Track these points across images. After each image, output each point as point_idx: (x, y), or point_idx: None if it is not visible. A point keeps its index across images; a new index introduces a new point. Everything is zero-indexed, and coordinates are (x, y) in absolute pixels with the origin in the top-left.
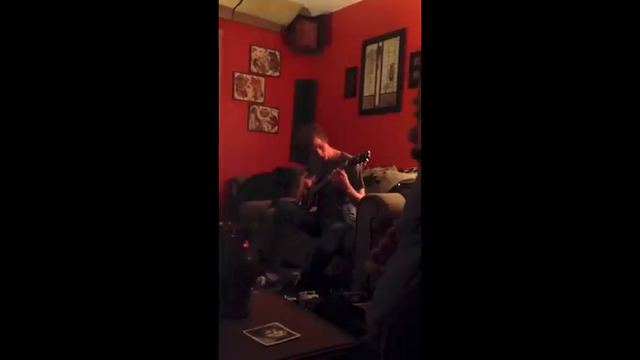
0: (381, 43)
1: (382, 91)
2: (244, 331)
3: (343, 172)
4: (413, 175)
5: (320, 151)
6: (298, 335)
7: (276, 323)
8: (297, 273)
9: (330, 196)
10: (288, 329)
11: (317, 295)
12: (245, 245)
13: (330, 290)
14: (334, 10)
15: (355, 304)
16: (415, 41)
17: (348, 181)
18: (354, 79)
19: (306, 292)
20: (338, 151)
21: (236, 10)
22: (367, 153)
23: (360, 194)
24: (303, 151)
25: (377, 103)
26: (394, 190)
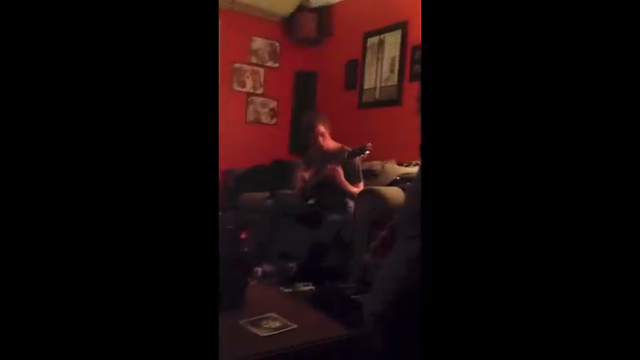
0: (382, 36)
1: (382, 84)
2: (240, 322)
3: (339, 168)
4: (412, 169)
5: (321, 139)
6: (294, 326)
7: (272, 314)
8: (293, 264)
9: (328, 188)
10: (284, 320)
11: (313, 287)
12: (242, 236)
13: (327, 282)
14: (335, 1)
15: (352, 297)
16: (416, 34)
17: (342, 177)
18: (354, 71)
19: (302, 283)
20: (338, 144)
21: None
22: (367, 145)
23: (358, 188)
24: (304, 137)
25: (377, 96)
26: (393, 183)
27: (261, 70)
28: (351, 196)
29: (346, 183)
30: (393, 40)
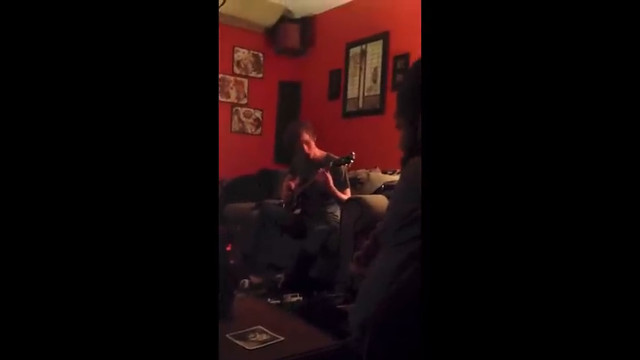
0: (364, 46)
1: (366, 94)
2: (227, 335)
3: (328, 173)
4: (396, 177)
5: (306, 148)
6: (282, 338)
7: (259, 327)
8: (280, 275)
9: (314, 197)
10: (271, 332)
11: (301, 298)
12: (228, 248)
13: (314, 292)
14: (318, 12)
15: (339, 307)
16: (398, 44)
17: (332, 183)
18: (337, 81)
19: (289, 294)
20: (323, 152)
21: (219, 10)
22: (352, 154)
23: (346, 195)
24: (289, 146)
25: (360, 106)
26: (378, 192)
27: (245, 81)
28: (340, 201)
29: (335, 189)
30: (375, 50)
